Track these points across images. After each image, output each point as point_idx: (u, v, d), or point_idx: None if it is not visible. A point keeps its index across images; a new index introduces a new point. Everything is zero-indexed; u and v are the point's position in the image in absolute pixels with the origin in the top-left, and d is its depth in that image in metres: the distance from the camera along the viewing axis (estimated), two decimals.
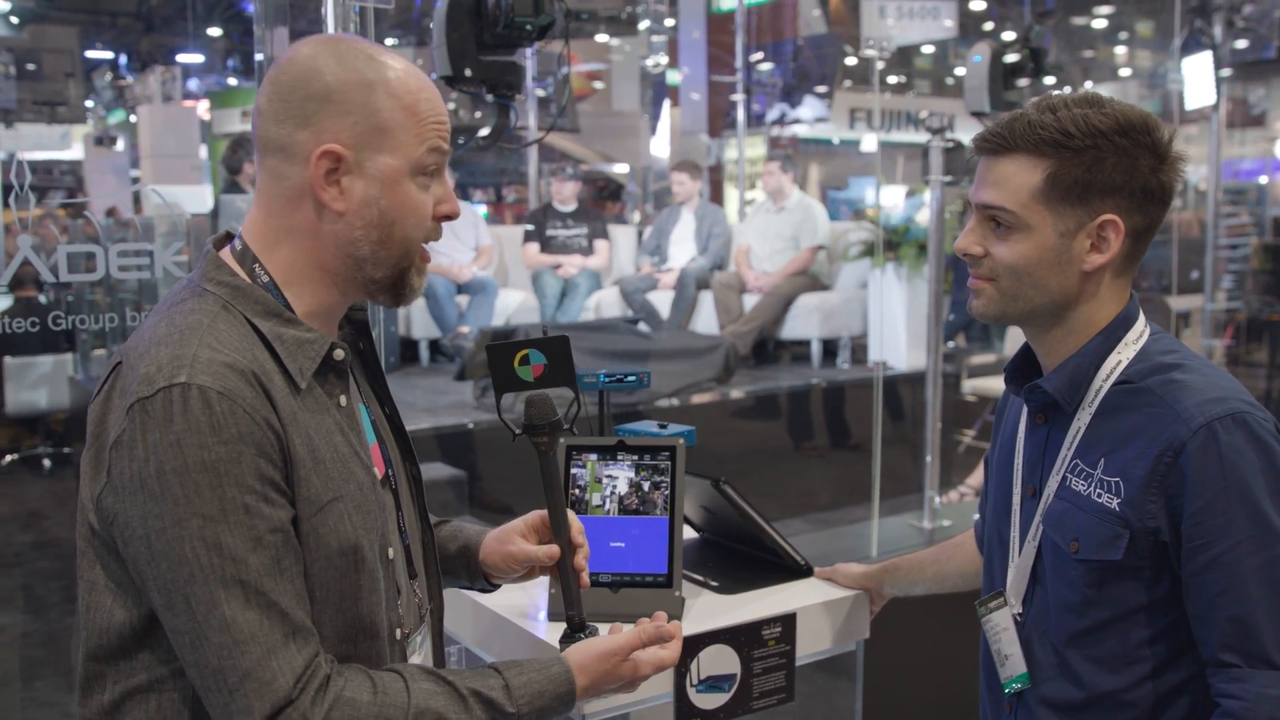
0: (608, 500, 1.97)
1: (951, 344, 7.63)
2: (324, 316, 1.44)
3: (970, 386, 6.61)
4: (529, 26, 2.87)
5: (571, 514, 1.65)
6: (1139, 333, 1.65)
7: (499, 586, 1.80)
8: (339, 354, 1.40)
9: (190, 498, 1.23)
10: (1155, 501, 1.53)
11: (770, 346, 7.33)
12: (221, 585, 1.23)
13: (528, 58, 8.31)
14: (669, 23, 11.71)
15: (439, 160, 1.43)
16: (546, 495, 1.60)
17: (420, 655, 1.54)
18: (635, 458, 1.98)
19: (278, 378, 1.33)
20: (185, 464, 1.23)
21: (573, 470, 1.99)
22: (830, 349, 7.19)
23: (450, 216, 1.46)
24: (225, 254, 1.41)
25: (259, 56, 2.68)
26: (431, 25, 2.95)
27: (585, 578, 1.64)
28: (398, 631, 1.44)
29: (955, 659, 2.68)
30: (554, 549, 1.62)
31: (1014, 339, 7.01)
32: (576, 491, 1.98)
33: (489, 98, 2.99)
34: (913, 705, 3.19)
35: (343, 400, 1.42)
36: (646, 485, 1.96)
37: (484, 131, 3.12)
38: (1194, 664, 1.56)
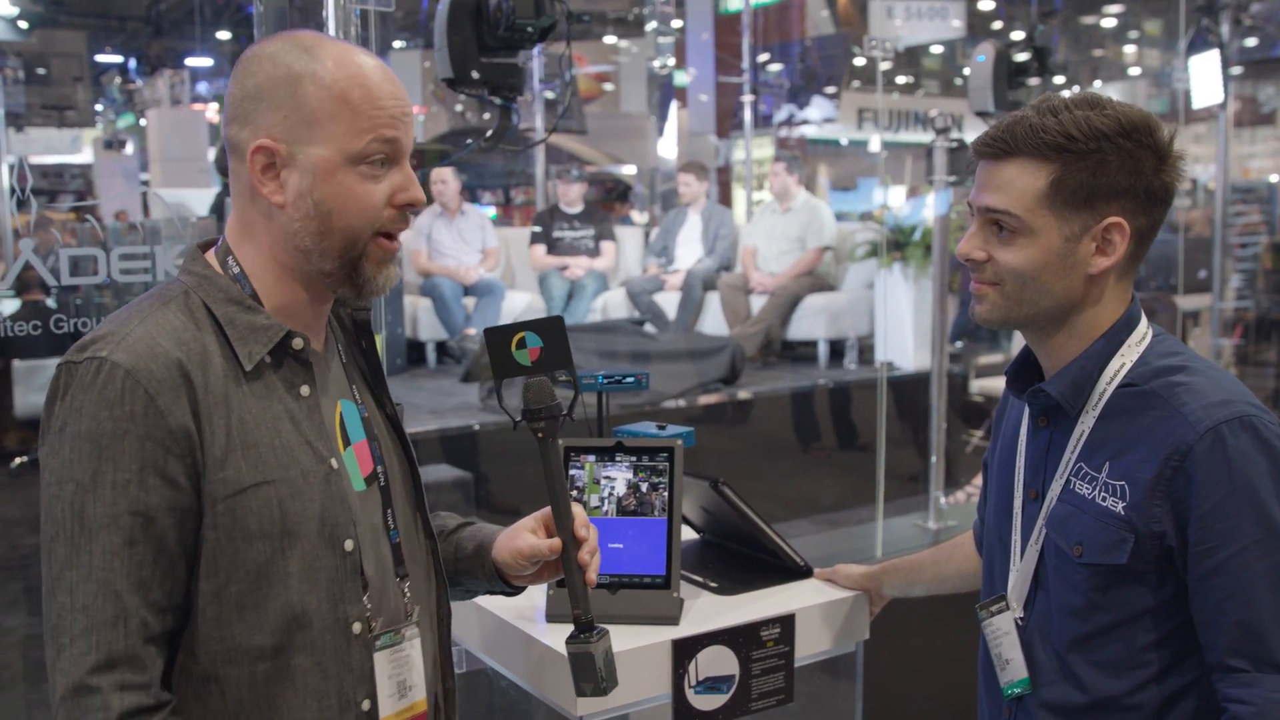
0: (606, 501, 1.97)
1: (959, 344, 7.61)
2: (294, 311, 1.45)
3: (978, 386, 6.60)
4: (530, 29, 2.87)
5: (578, 507, 1.60)
6: (1142, 335, 1.64)
7: (520, 590, 1.74)
8: (297, 343, 1.42)
9: (72, 462, 1.29)
10: (1161, 505, 1.52)
11: (777, 347, 7.32)
12: (74, 551, 1.28)
13: (534, 60, 8.32)
14: (676, 24, 11.70)
15: (384, 149, 1.41)
16: (547, 486, 1.57)
17: (401, 656, 1.50)
18: (633, 459, 1.98)
19: (219, 360, 1.36)
20: (79, 430, 1.29)
21: (571, 471, 1.99)
22: (837, 350, 7.18)
23: (412, 205, 1.44)
24: (211, 251, 1.46)
25: None
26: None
27: (591, 575, 1.57)
28: (355, 626, 1.42)
29: (955, 660, 2.67)
30: (557, 542, 1.58)
31: (1020, 339, 6.93)
32: (575, 493, 1.98)
33: (497, 101, 2.99)
34: (913, 706, 3.18)
35: (304, 390, 1.43)
36: (644, 486, 1.96)
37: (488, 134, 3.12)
38: (1198, 667, 1.55)
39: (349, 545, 1.41)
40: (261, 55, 1.41)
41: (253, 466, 1.35)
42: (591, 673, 1.55)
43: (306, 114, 1.38)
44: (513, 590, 1.73)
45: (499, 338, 1.62)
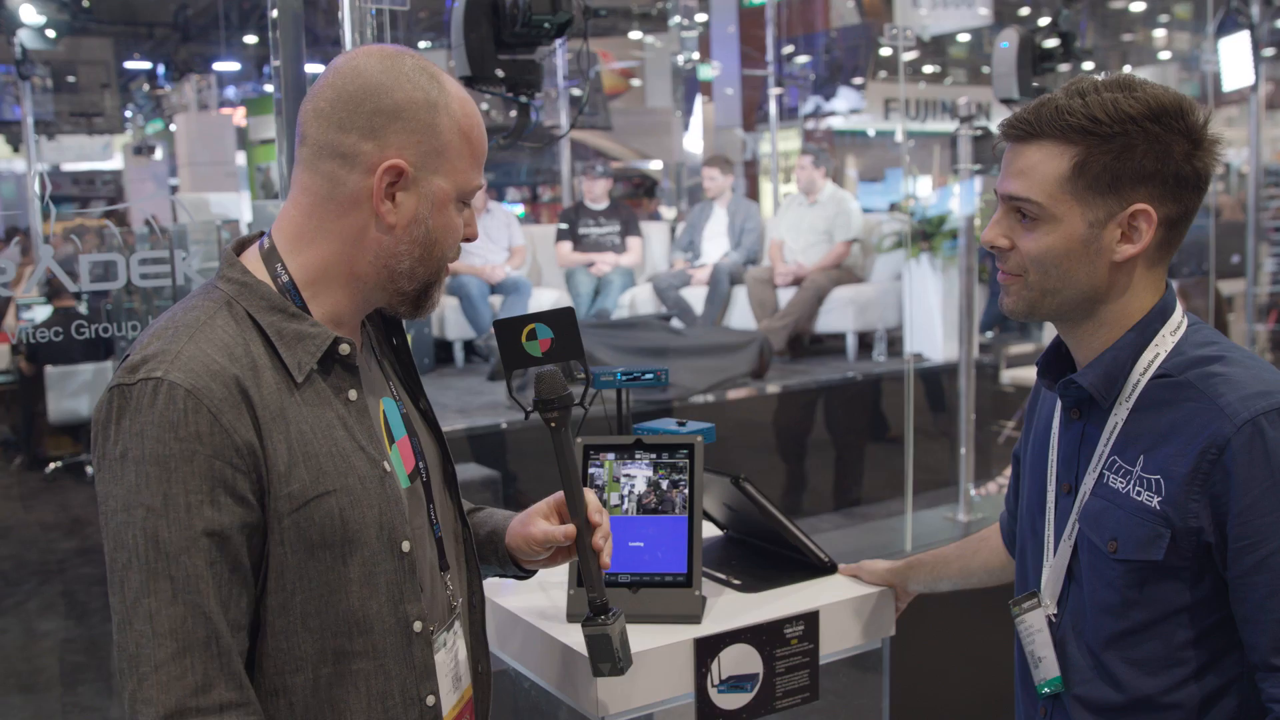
0: (626, 499, 1.95)
1: (989, 334, 7.54)
2: (342, 318, 1.46)
3: (1009, 377, 6.54)
4: (547, 24, 2.87)
5: (590, 492, 1.63)
6: (1177, 324, 1.60)
7: (532, 574, 1.78)
8: (344, 349, 1.42)
9: (140, 487, 1.27)
10: (1198, 500, 1.48)
11: (805, 341, 7.29)
12: (152, 577, 1.26)
13: (557, 56, 8.30)
14: (700, 18, 11.67)
15: (479, 190, 1.48)
16: (560, 473, 1.59)
17: (449, 650, 1.53)
18: (653, 456, 1.96)
19: (270, 373, 1.36)
20: (144, 454, 1.27)
21: (590, 470, 1.98)
22: (866, 342, 7.13)
23: (470, 239, 1.50)
24: (250, 252, 1.45)
25: (276, 61, 2.69)
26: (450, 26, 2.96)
27: (605, 558, 1.60)
28: (416, 625, 1.43)
29: (985, 656, 2.65)
30: (571, 528, 1.61)
31: (1053, 329, 6.83)
32: (595, 490, 1.97)
33: (522, 99, 2.99)
34: (941, 703, 3.15)
35: (352, 394, 1.43)
36: (665, 484, 1.95)
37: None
38: (1239, 665, 1.52)
39: (406, 546, 1.43)
40: (392, 70, 1.40)
41: (314, 478, 1.35)
42: (609, 653, 1.57)
43: (439, 144, 1.41)
44: (524, 574, 1.77)
45: (509, 330, 1.62)
